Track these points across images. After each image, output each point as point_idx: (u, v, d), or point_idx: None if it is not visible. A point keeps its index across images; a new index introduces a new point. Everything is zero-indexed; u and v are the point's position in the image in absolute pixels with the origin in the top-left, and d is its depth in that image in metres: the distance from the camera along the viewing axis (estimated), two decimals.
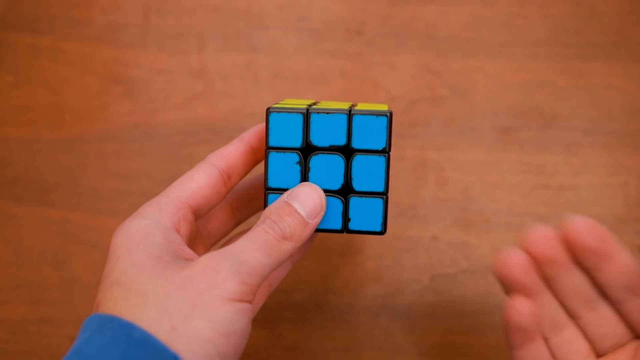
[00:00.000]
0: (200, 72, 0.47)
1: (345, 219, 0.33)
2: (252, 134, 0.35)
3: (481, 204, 0.46)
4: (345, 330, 0.45)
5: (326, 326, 0.45)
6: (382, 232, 0.34)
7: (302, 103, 0.35)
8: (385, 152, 0.33)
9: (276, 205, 0.32)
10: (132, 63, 0.47)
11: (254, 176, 0.38)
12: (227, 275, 0.28)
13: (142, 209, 0.32)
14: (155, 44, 0.47)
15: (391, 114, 0.32)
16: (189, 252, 0.31)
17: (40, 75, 0.47)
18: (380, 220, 0.34)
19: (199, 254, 0.35)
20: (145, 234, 0.30)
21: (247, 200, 0.38)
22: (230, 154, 0.35)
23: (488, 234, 0.45)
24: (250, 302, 0.29)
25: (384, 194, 0.33)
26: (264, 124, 0.35)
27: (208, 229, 0.37)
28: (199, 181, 0.33)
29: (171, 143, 0.46)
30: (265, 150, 0.33)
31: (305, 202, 0.32)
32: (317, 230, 0.33)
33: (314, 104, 0.35)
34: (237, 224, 0.38)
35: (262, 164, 0.36)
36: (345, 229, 0.34)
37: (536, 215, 0.46)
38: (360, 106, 0.35)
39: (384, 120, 0.32)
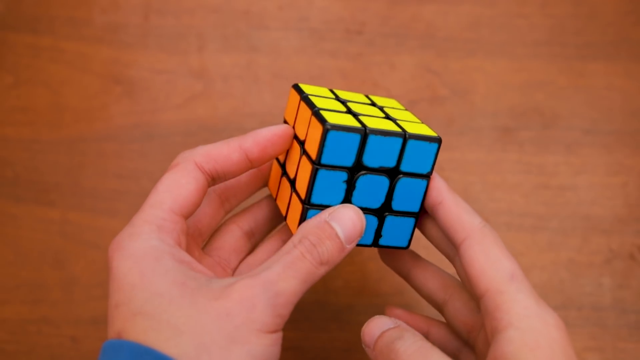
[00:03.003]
0: (201, 72, 0.47)
1: (378, 235, 0.33)
2: (254, 142, 0.33)
3: (481, 204, 0.46)
4: (345, 331, 0.45)
5: (326, 326, 0.45)
6: (407, 247, 0.34)
7: (324, 92, 0.34)
8: (428, 176, 0.33)
9: (316, 224, 0.30)
10: (132, 63, 0.47)
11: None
12: (264, 309, 0.28)
13: (139, 227, 0.30)
14: (155, 44, 0.47)
15: (441, 140, 0.32)
16: (199, 266, 0.30)
17: (40, 75, 0.47)
18: (408, 237, 0.34)
19: (195, 257, 0.34)
20: (156, 257, 0.29)
21: (237, 189, 0.36)
22: (222, 158, 0.32)
23: None
24: (281, 330, 0.29)
25: (417, 214, 0.33)
26: (268, 130, 0.33)
27: (199, 227, 0.35)
28: (188, 187, 0.31)
29: (171, 143, 0.46)
30: (312, 166, 0.31)
31: (346, 225, 0.30)
32: None
33: (343, 100, 0.34)
34: (226, 214, 0.37)
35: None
36: (375, 244, 0.34)
37: (536, 215, 0.46)
38: (389, 110, 0.34)
39: (434, 147, 0.32)
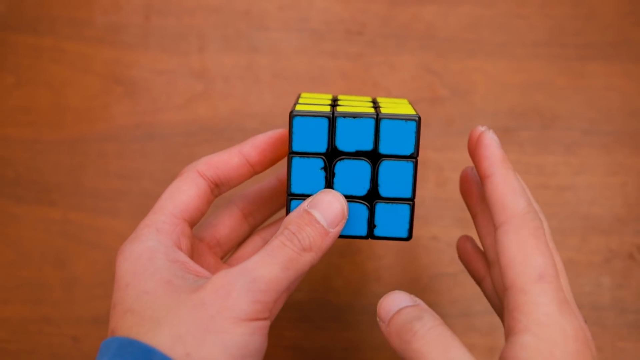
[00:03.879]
0: (201, 73, 0.47)
1: (371, 225, 0.32)
2: (253, 146, 0.34)
3: None
4: (345, 330, 0.45)
5: (326, 325, 0.45)
6: (408, 238, 0.33)
7: (322, 98, 0.34)
8: (413, 157, 0.31)
9: (296, 214, 0.30)
10: (133, 63, 0.47)
11: (264, 179, 0.38)
12: (240, 295, 0.28)
13: (140, 231, 0.31)
14: (156, 44, 0.47)
15: (419, 118, 0.31)
16: (196, 267, 0.31)
17: (41, 76, 0.47)
18: (406, 226, 0.32)
19: (210, 264, 0.35)
20: (149, 258, 0.30)
21: (260, 204, 0.37)
22: (222, 164, 0.33)
23: None
24: (266, 319, 0.28)
25: (410, 200, 0.32)
26: (266, 135, 0.34)
27: (217, 238, 0.36)
28: (188, 193, 0.32)
29: (172, 143, 0.47)
30: (288, 155, 0.31)
31: (326, 210, 0.30)
32: (342, 236, 0.32)
33: (335, 100, 0.34)
34: (251, 229, 0.37)
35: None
36: (370, 235, 0.33)
37: None
38: (384, 104, 0.33)
39: (412, 125, 0.31)
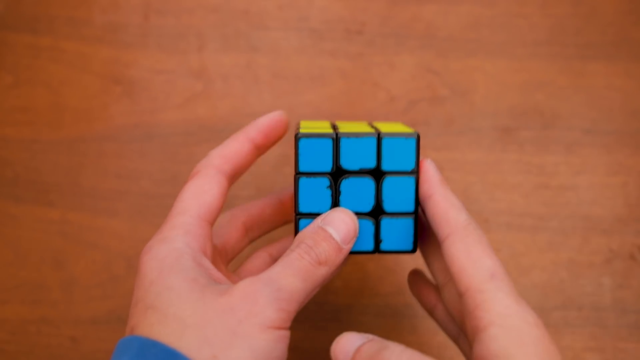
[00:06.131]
0: (200, 72, 0.47)
1: (377, 240, 0.34)
2: (258, 130, 0.35)
3: (481, 204, 0.46)
4: (345, 330, 0.45)
5: (326, 326, 0.45)
6: (413, 251, 0.34)
7: (321, 126, 0.35)
8: (415, 172, 0.33)
9: (311, 230, 0.31)
10: (132, 63, 0.47)
11: (268, 196, 0.39)
12: (266, 303, 0.28)
13: (167, 232, 0.31)
14: (155, 44, 0.47)
15: (419, 135, 0.33)
16: (218, 274, 0.31)
17: (40, 75, 0.47)
18: (411, 239, 0.34)
19: (222, 271, 0.35)
20: (177, 258, 0.30)
21: (262, 220, 0.38)
22: (235, 154, 0.34)
23: (488, 234, 0.45)
24: (287, 329, 0.29)
25: (414, 214, 0.33)
26: (267, 117, 0.35)
27: (226, 248, 0.37)
28: (212, 193, 0.33)
29: (171, 143, 0.46)
30: (294, 176, 0.33)
31: (340, 227, 0.32)
32: (350, 252, 0.33)
33: (334, 125, 0.35)
34: (249, 243, 0.38)
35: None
36: (377, 249, 0.34)
37: (536, 215, 0.46)
38: (381, 126, 0.35)
39: (412, 142, 0.32)
